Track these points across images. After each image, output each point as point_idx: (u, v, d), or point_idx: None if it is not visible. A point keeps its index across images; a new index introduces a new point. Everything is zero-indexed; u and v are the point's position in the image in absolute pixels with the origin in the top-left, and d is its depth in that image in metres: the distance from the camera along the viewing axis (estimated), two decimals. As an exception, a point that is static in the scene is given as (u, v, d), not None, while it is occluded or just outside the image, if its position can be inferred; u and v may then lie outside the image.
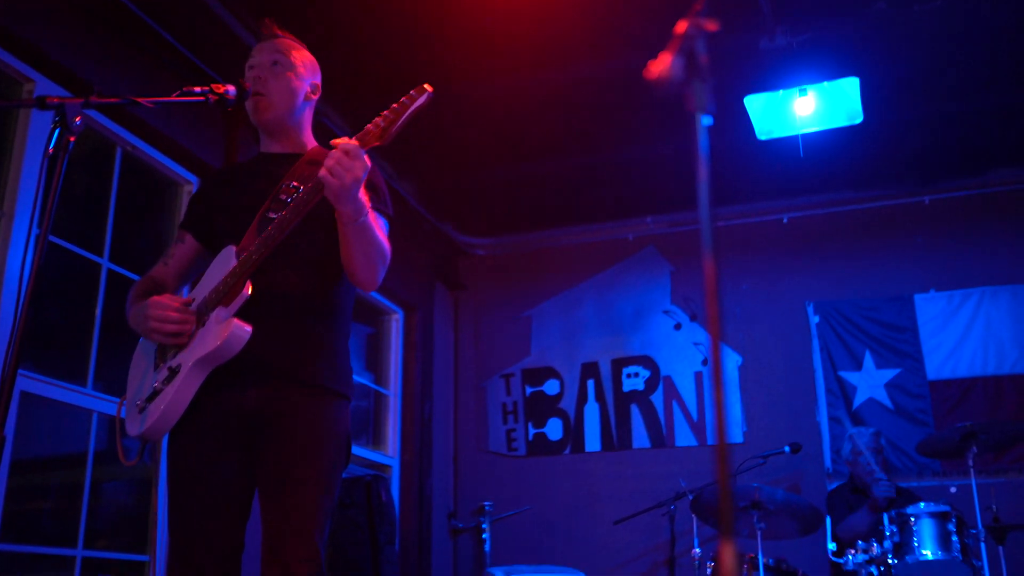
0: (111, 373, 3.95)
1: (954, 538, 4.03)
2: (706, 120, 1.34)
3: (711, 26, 1.36)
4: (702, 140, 1.34)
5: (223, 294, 2.26)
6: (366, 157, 2.13)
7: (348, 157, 2.09)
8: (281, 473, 2.24)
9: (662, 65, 1.31)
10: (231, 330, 2.20)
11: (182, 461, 2.31)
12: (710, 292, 1.36)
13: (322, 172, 2.10)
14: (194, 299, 2.36)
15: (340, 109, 4.97)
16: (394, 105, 2.15)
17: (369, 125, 2.15)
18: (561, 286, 6.83)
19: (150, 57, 4.15)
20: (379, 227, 2.32)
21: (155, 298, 2.34)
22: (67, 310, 4.04)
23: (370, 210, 2.24)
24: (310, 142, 2.58)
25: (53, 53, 3.67)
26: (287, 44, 2.54)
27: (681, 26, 1.35)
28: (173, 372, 2.27)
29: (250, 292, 2.22)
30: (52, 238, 3.76)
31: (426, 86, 2.15)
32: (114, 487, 4.18)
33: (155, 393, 2.29)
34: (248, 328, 2.22)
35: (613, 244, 6.75)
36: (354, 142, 2.12)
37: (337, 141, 2.13)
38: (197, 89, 2.28)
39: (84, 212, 4.08)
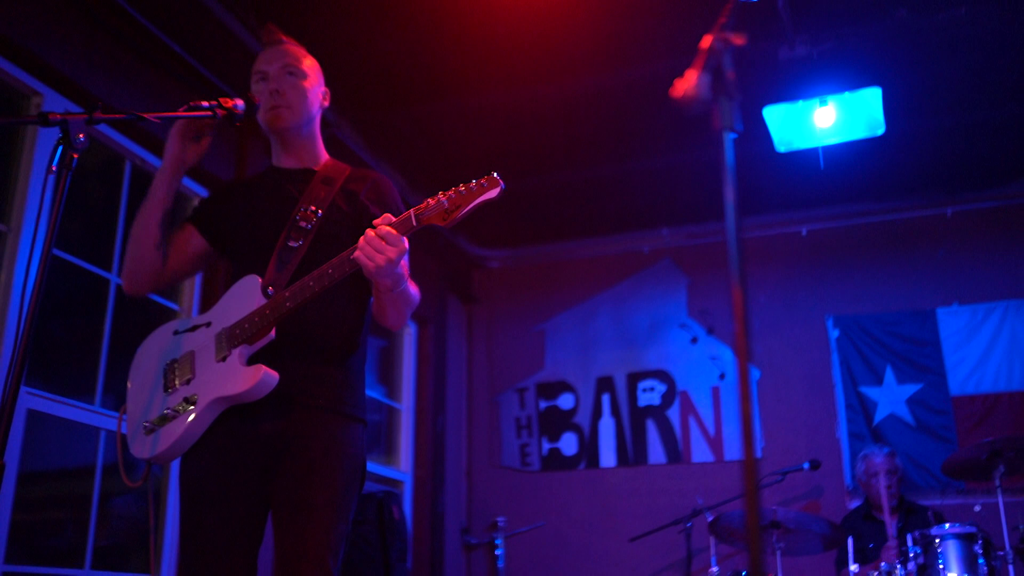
0: (120, 389, 3.89)
1: (980, 560, 3.93)
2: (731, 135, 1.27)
3: (738, 40, 1.28)
4: (728, 156, 1.27)
5: (250, 333, 2.22)
6: (405, 241, 2.08)
7: (381, 240, 2.06)
8: (295, 497, 2.19)
9: (688, 83, 1.23)
10: (260, 378, 2.18)
11: (195, 482, 2.26)
12: (738, 313, 1.28)
13: (356, 254, 2.09)
14: (211, 322, 2.31)
15: (351, 120, 4.92)
16: (461, 187, 2.11)
17: (430, 200, 2.11)
18: (575, 299, 6.75)
19: (159, 69, 4.11)
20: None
21: None
22: (75, 325, 3.99)
23: (408, 277, 2.21)
24: (323, 155, 2.54)
25: (61, 66, 3.63)
26: (295, 52, 2.50)
27: (706, 41, 1.27)
28: (188, 402, 2.24)
29: (274, 335, 2.21)
30: (61, 253, 3.72)
31: (497, 177, 2.11)
32: (122, 501, 4.12)
33: (165, 418, 2.24)
34: (275, 376, 2.20)
35: (628, 256, 6.66)
36: (390, 229, 2.07)
37: (379, 221, 2.09)
38: (205, 104, 2.25)
39: (93, 226, 4.03)
